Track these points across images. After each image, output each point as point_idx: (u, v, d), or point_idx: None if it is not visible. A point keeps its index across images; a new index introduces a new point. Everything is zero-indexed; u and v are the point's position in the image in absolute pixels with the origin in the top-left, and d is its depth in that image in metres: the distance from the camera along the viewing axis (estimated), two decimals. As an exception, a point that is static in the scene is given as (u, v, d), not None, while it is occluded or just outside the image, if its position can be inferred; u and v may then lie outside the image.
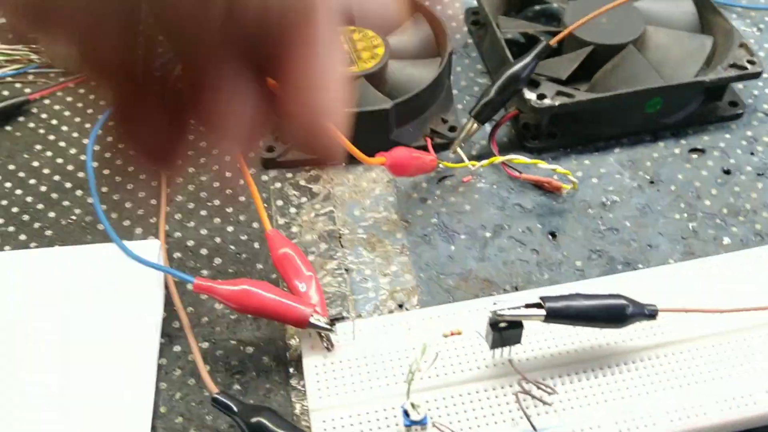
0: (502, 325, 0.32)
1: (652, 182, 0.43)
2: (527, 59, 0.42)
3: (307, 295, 0.34)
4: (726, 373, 0.33)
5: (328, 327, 0.33)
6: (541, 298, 0.32)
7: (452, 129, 0.44)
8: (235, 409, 0.31)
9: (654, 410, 0.32)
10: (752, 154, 0.44)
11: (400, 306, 0.37)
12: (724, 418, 0.32)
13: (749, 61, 0.44)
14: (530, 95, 0.42)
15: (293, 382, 0.34)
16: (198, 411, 0.33)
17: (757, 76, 0.44)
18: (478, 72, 0.50)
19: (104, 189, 0.42)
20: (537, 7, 0.53)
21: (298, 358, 0.34)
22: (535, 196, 0.42)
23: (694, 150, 0.45)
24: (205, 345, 0.36)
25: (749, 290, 0.36)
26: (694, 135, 0.46)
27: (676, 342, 0.34)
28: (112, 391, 0.33)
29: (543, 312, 0.31)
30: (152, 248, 0.36)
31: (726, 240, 0.40)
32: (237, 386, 0.34)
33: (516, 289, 0.38)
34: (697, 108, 0.46)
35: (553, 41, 0.43)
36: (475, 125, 0.43)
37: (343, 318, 0.34)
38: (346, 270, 0.39)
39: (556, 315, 0.32)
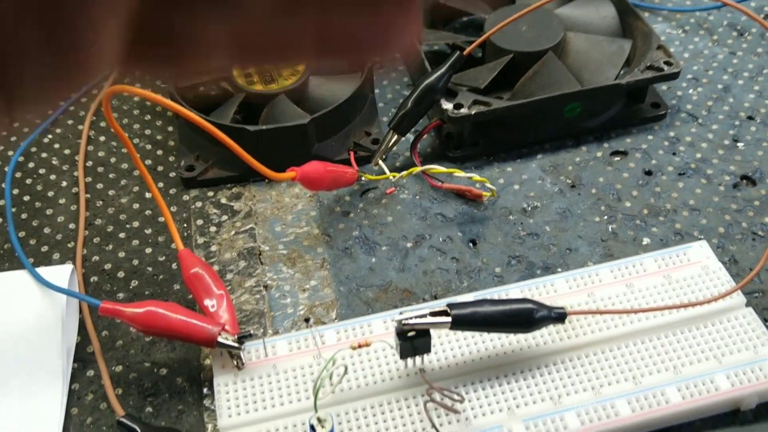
0: (411, 334, 0.32)
1: (573, 186, 0.43)
2: (442, 70, 0.42)
3: (217, 314, 0.34)
4: (638, 373, 0.33)
5: (236, 345, 0.33)
6: (448, 305, 0.32)
7: (375, 141, 0.45)
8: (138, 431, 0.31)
9: (565, 413, 0.32)
10: (674, 154, 0.45)
11: (306, 320, 0.37)
12: (636, 418, 0.32)
13: (666, 62, 0.45)
14: (447, 105, 0.42)
15: (206, 402, 0.34)
16: (109, 436, 0.33)
17: (674, 77, 0.45)
18: (404, 85, 0.50)
19: (24, 215, 0.42)
20: (464, 19, 0.54)
21: (211, 379, 0.34)
22: (457, 205, 0.42)
23: (616, 153, 0.45)
24: (119, 368, 0.35)
25: (664, 290, 0.36)
26: (617, 138, 0.46)
27: (586, 345, 0.34)
28: (19, 418, 0.32)
29: (448, 319, 0.31)
30: (64, 273, 0.36)
31: (645, 240, 0.40)
32: (149, 408, 0.34)
33: (435, 298, 0.38)
34: (620, 111, 0.47)
35: (467, 51, 0.44)
36: (395, 137, 0.43)
37: (250, 335, 0.33)
38: (265, 287, 0.39)
39: (463, 322, 0.32)
